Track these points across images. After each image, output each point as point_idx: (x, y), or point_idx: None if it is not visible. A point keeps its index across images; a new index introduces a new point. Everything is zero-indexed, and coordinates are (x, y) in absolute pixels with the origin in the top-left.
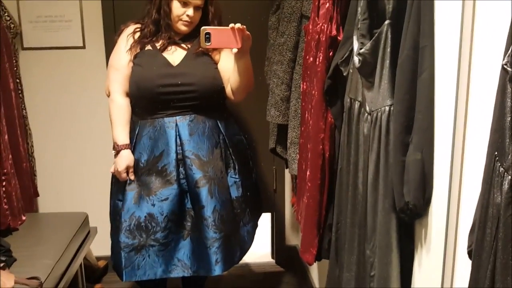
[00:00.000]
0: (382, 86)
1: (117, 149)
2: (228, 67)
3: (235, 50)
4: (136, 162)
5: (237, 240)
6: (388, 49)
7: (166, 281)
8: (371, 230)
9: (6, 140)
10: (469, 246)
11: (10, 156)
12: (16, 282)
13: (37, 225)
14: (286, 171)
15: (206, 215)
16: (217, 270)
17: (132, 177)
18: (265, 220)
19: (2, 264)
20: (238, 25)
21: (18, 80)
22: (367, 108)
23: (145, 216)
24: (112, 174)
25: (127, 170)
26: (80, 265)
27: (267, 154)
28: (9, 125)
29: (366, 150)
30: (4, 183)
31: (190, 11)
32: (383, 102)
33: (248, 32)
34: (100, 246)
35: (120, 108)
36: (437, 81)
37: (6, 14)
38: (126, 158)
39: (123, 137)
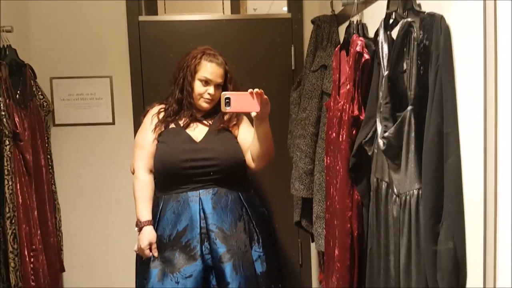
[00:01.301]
0: (409, 170)
1: (139, 226)
2: (247, 137)
3: (254, 113)
4: (160, 237)
5: None
6: (413, 134)
7: None
8: None
9: (36, 216)
10: None
11: (39, 232)
12: None
13: None
14: (312, 245)
15: None
16: None
17: (155, 253)
18: None
19: None
20: (256, 89)
21: (49, 156)
22: (395, 190)
23: None
24: (136, 253)
25: (150, 246)
26: None
27: (292, 228)
28: (39, 201)
29: (396, 232)
30: (32, 260)
31: (211, 90)
32: (411, 185)
33: (266, 97)
34: None
35: (143, 185)
36: (464, 166)
37: (39, 93)
38: (149, 234)
39: (145, 214)
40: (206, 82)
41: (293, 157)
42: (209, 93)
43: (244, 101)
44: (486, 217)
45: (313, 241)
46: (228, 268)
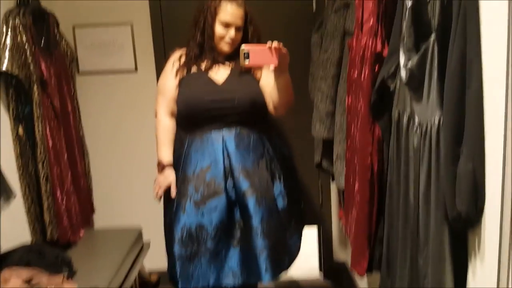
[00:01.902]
0: (430, 99)
1: (160, 167)
2: (268, 83)
3: (272, 67)
4: (184, 173)
5: (284, 249)
6: (436, 63)
7: None
8: (423, 241)
9: (65, 159)
10: None
11: (69, 174)
12: None
13: (94, 241)
14: (332, 185)
15: (254, 224)
16: (266, 278)
17: (173, 194)
18: (312, 235)
19: (65, 275)
20: (275, 43)
21: (75, 102)
22: (416, 121)
23: (195, 227)
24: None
25: (169, 186)
26: (135, 278)
27: (313, 169)
28: (68, 145)
29: (416, 162)
30: (64, 200)
31: (232, 32)
32: (432, 114)
33: (285, 50)
34: (153, 260)
35: (165, 129)
36: (486, 92)
37: (63, 41)
38: (168, 176)
39: (166, 156)
40: (227, 25)
41: (314, 99)
42: (230, 37)
43: (263, 55)
44: (505, 140)
45: (333, 180)
46: (251, 202)
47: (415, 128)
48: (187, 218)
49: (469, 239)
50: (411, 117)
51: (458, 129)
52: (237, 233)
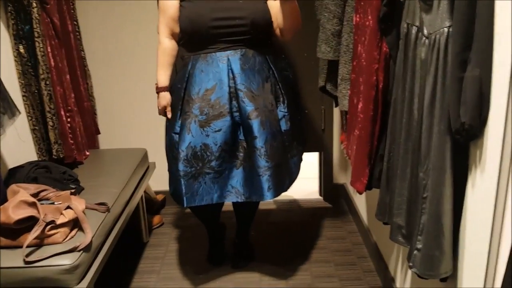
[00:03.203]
0: (441, 8)
1: (157, 90)
2: (276, 5)
3: None
4: (189, 94)
5: (286, 170)
6: None
7: (220, 212)
8: (425, 153)
9: (68, 79)
10: None
11: (73, 95)
12: (87, 206)
13: (100, 160)
14: (335, 110)
15: (258, 145)
16: (269, 196)
17: (169, 115)
18: (313, 159)
19: (73, 191)
20: None
21: (75, 22)
22: (425, 32)
23: (200, 146)
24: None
25: (165, 109)
26: (141, 196)
27: (316, 94)
28: (70, 66)
29: (423, 75)
30: (69, 119)
31: None
32: (441, 23)
33: None
34: (158, 181)
35: (165, 51)
36: (497, 0)
37: None
38: (164, 98)
39: (163, 79)
40: None
41: (320, 19)
42: None
43: None
44: None
45: (337, 105)
46: (255, 124)
47: (423, 40)
48: (192, 138)
49: (470, 151)
50: (419, 29)
51: (467, 37)
52: (241, 154)
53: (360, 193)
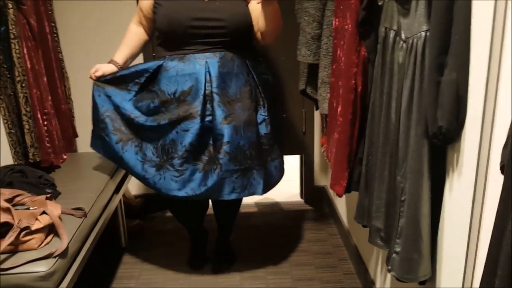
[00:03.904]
0: (418, 12)
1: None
2: (257, 8)
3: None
4: (163, 93)
5: (260, 174)
6: None
7: (204, 217)
8: (402, 157)
9: (45, 82)
10: (501, 162)
11: (50, 98)
12: (63, 212)
13: (77, 164)
14: (316, 113)
15: (228, 150)
16: (230, 196)
17: (98, 74)
18: (294, 162)
19: (49, 195)
20: None
21: (53, 24)
22: (403, 36)
23: (169, 141)
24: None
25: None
26: (120, 200)
27: (297, 97)
28: (47, 68)
29: (400, 78)
30: (46, 123)
31: None
32: (419, 28)
33: None
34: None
35: (129, 32)
36: (474, 4)
37: None
38: (107, 66)
39: (118, 56)
40: None
41: (300, 23)
42: None
43: None
44: (491, 53)
45: (317, 108)
46: (228, 129)
47: (401, 44)
48: (164, 131)
49: (448, 155)
50: (397, 33)
51: (444, 41)
52: (205, 158)
53: (340, 196)
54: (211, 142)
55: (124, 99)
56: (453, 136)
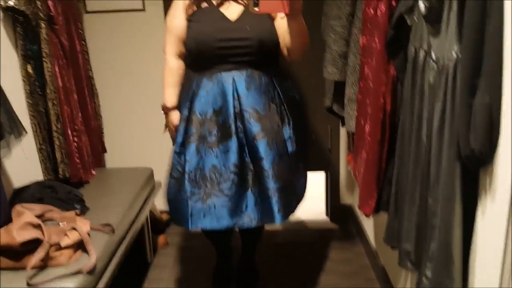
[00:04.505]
0: (449, 32)
1: (166, 111)
2: (283, 27)
3: (282, 14)
4: (195, 114)
5: (293, 191)
6: None
7: (232, 235)
8: (434, 179)
9: (75, 99)
10: None
11: (80, 114)
12: (92, 228)
13: (106, 179)
14: (341, 130)
15: (266, 167)
16: (279, 218)
17: (174, 134)
18: (320, 179)
19: (78, 211)
20: None
21: (83, 42)
22: (433, 56)
23: (209, 168)
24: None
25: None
26: (147, 216)
27: (322, 113)
28: (77, 85)
29: (431, 99)
30: (75, 139)
31: None
32: (450, 48)
33: None
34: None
35: (172, 70)
36: (506, 25)
37: None
38: (173, 119)
39: (172, 99)
40: None
41: (326, 40)
42: None
43: (273, 1)
44: None
45: (343, 124)
46: (262, 144)
47: (431, 64)
48: (200, 159)
49: (480, 178)
50: (428, 53)
51: (476, 62)
52: (249, 177)
53: (368, 217)
54: (248, 159)
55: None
56: (486, 159)
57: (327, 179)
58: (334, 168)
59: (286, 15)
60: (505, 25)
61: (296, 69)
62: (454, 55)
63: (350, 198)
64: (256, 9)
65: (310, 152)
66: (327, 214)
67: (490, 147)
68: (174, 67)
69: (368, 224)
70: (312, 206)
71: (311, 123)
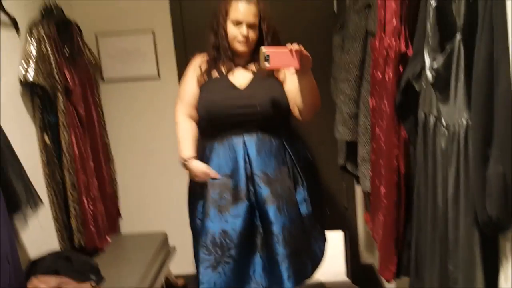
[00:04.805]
0: (458, 100)
1: (185, 161)
2: (293, 88)
3: (292, 70)
4: (209, 179)
5: (308, 255)
6: (462, 63)
7: None
8: (453, 246)
9: (91, 167)
10: None
11: (95, 181)
12: None
13: (120, 246)
14: (357, 188)
15: (275, 232)
16: (289, 285)
17: (216, 175)
18: (338, 238)
19: (93, 282)
20: (295, 45)
21: (100, 110)
22: (444, 122)
23: (219, 233)
24: (188, 193)
25: (206, 174)
26: (162, 282)
27: (336, 172)
28: (94, 153)
29: (444, 165)
30: (91, 206)
31: (243, 30)
32: (460, 115)
33: (306, 52)
34: (179, 265)
35: (185, 127)
36: None
37: (87, 49)
38: (198, 166)
39: (190, 151)
40: (238, 23)
41: (336, 102)
42: (242, 34)
43: (284, 57)
44: None
45: (358, 183)
46: (272, 209)
47: (442, 130)
48: (211, 224)
49: (500, 243)
50: (438, 119)
51: (487, 130)
52: (259, 240)
53: (389, 282)
54: (258, 222)
55: None
56: (504, 225)
57: (345, 238)
58: (352, 227)
59: (297, 71)
60: None
61: (309, 126)
62: (465, 122)
63: (370, 257)
64: (267, 65)
65: (327, 212)
66: (347, 275)
67: (508, 213)
68: (187, 125)
69: (390, 284)
70: (331, 266)
71: (326, 181)
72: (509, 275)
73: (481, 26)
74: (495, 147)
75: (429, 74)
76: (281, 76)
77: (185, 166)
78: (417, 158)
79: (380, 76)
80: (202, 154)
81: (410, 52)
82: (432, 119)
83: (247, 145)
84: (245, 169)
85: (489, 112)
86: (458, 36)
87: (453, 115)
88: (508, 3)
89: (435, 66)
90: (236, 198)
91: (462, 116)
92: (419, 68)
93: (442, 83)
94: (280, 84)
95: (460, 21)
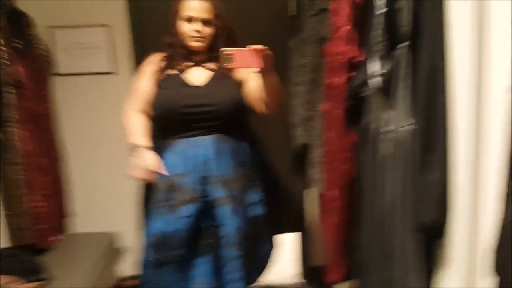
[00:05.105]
0: (402, 106)
1: (138, 150)
2: (257, 86)
3: (256, 70)
4: (159, 178)
5: (256, 258)
6: (407, 70)
7: None
8: (394, 250)
9: (42, 163)
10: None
11: (47, 179)
12: None
13: (69, 245)
14: (312, 190)
15: (229, 233)
16: (240, 285)
17: (164, 171)
18: (293, 240)
19: (40, 282)
20: (258, 46)
21: (52, 106)
22: (388, 128)
23: (165, 232)
24: (142, 193)
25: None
26: (112, 282)
27: (293, 173)
28: (46, 148)
29: (384, 169)
30: (41, 204)
31: (196, 26)
32: (404, 121)
33: (269, 52)
34: (130, 265)
35: (135, 118)
36: (456, 101)
37: (39, 43)
38: (148, 158)
39: (143, 140)
40: (190, 19)
41: (292, 104)
42: (195, 30)
43: (246, 57)
44: (477, 151)
45: (312, 185)
46: (227, 211)
47: (385, 135)
48: (156, 224)
49: (437, 249)
50: (382, 124)
51: (428, 137)
52: (208, 242)
53: (336, 283)
54: (208, 224)
55: None
56: (441, 231)
57: (300, 240)
58: (306, 229)
59: (261, 70)
60: (455, 103)
61: (267, 128)
62: (408, 128)
63: (323, 258)
64: (229, 65)
65: (283, 214)
66: (301, 277)
67: (444, 219)
68: (137, 117)
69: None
70: (285, 267)
71: (283, 183)
72: (445, 279)
73: (423, 35)
74: (434, 153)
75: (376, 80)
76: (240, 75)
77: (135, 154)
78: (362, 162)
79: (333, 80)
80: (156, 151)
81: (361, 58)
82: (377, 124)
83: (204, 145)
84: (201, 170)
85: (431, 119)
86: (405, 44)
87: (398, 121)
88: (449, 14)
89: (382, 72)
90: (186, 199)
91: (407, 122)
92: (364, 76)
93: (387, 89)
94: (238, 82)
95: (405, 29)
